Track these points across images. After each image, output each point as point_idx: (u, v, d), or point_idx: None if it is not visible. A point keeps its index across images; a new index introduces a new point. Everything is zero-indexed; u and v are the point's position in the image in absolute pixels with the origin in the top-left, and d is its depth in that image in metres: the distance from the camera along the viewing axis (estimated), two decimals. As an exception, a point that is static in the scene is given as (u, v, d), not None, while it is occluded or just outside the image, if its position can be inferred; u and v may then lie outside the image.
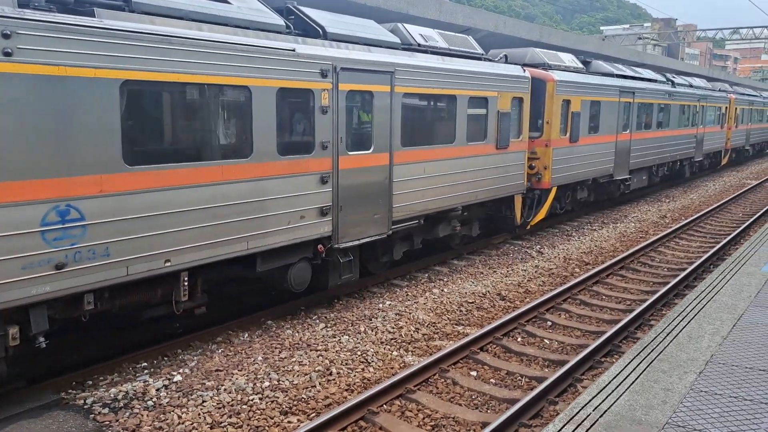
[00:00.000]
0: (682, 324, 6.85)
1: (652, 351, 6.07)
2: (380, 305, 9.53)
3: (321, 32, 8.59)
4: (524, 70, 13.13)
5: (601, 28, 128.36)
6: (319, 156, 8.24)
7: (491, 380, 7.25)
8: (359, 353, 7.68)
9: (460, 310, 9.49)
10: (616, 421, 4.67)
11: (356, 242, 8.97)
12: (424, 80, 10.18)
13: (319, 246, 8.46)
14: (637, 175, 19.64)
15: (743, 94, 32.53)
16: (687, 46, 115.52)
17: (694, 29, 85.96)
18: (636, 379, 5.44)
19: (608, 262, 12.02)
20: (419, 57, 10.27)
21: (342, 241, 8.73)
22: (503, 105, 12.33)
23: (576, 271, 12.06)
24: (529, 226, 14.71)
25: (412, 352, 7.91)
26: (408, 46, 10.46)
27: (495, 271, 11.77)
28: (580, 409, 4.86)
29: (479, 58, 12.09)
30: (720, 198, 22.23)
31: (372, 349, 7.81)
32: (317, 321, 8.81)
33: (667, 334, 6.53)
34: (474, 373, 7.39)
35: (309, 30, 8.64)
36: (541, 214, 14.65)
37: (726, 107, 27.97)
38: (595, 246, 14.19)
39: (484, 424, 6.13)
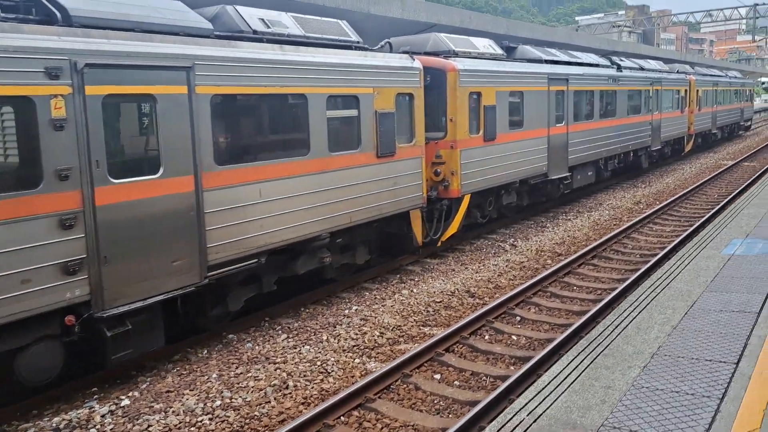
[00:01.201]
0: (633, 314, 6.67)
1: (598, 345, 5.89)
2: (346, 311, 9.30)
3: (59, 16, 6.21)
4: (413, 60, 10.80)
5: (576, 18, 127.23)
6: (55, 190, 5.85)
7: (455, 382, 7.10)
8: (319, 363, 7.45)
9: (428, 311, 9.27)
10: (550, 426, 4.48)
11: (139, 304, 6.59)
12: (251, 77, 7.84)
13: (68, 318, 6.06)
14: (581, 172, 17.40)
15: (706, 75, 30.42)
16: (663, 31, 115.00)
17: (669, 14, 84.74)
18: (577, 377, 5.27)
19: (580, 252, 11.85)
20: (245, 47, 7.92)
21: (111, 305, 6.34)
22: (383, 104, 10.01)
23: (548, 263, 11.87)
24: (440, 243, 12.40)
25: (375, 358, 7.71)
26: (231, 34, 8.10)
27: (467, 268, 11.52)
28: (514, 415, 4.66)
29: (349, 47, 9.75)
30: (696, 180, 21.69)
31: (333, 358, 7.59)
32: (280, 332, 8.56)
33: (617, 327, 6.34)
34: (438, 376, 7.22)
35: (48, 14, 6.26)
36: (453, 227, 12.35)
37: (686, 90, 25.82)
38: (568, 236, 13.89)
39: (443, 430, 5.96)
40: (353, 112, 9.51)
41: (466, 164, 12.25)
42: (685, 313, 6.64)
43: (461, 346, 7.94)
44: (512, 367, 7.35)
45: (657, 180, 22.09)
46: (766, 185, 16.14)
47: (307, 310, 9.40)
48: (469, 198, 12.59)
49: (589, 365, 5.44)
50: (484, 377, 7.15)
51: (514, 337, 8.27)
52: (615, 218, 15.82)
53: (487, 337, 8.30)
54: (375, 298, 9.89)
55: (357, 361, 7.55)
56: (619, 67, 19.75)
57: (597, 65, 18.47)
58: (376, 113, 9.85)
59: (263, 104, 8.18)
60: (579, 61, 17.45)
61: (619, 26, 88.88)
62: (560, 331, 8.34)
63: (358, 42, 10.14)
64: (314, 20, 9.59)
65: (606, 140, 18.53)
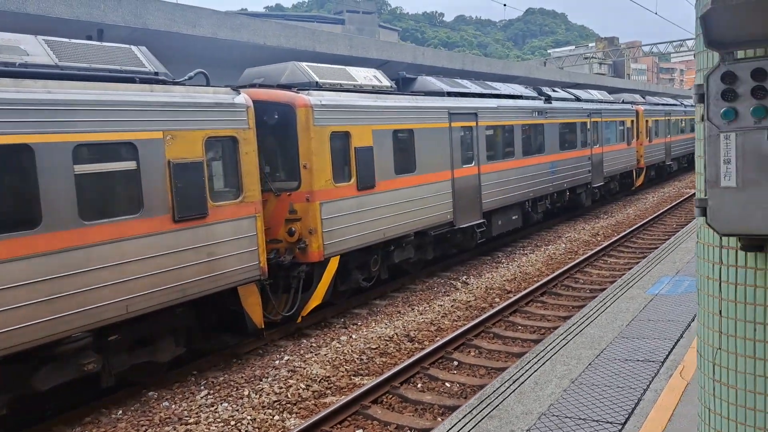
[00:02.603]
0: (536, 366, 6.34)
1: (488, 405, 5.52)
2: (276, 361, 8.84)
3: None
4: (237, 94, 8.54)
5: (549, 51, 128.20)
6: None
7: (374, 440, 6.65)
8: (233, 423, 7.00)
9: (361, 359, 8.82)
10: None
11: None
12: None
13: None
14: (501, 217, 15.16)
15: (657, 104, 28.68)
16: (634, 61, 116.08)
17: (639, 45, 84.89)
18: (454, 447, 4.93)
19: (529, 289, 11.53)
20: None
21: None
22: (183, 151, 7.69)
23: (496, 301, 11.48)
24: (299, 319, 9.97)
25: (296, 414, 7.30)
26: None
27: (413, 309, 11.10)
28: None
29: (132, 80, 7.48)
30: (656, 210, 21.59)
31: (250, 417, 7.16)
32: (202, 387, 8.08)
33: (515, 381, 6.01)
34: (358, 432, 6.74)
35: None
36: (316, 298, 9.96)
37: (632, 121, 23.92)
38: (521, 272, 13.55)
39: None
40: (128, 165, 7.16)
41: (330, 220, 9.93)
42: (589, 364, 6.32)
43: (391, 396, 7.53)
44: (440, 418, 6.95)
45: (619, 210, 21.81)
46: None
47: (239, 361, 8.93)
48: (338, 260, 10.23)
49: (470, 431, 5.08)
50: (408, 430, 6.74)
51: (447, 384, 7.87)
52: (571, 251, 15.44)
53: (419, 385, 7.90)
54: (311, 345, 9.43)
55: (276, 418, 7.11)
56: (548, 98, 17.75)
57: (519, 96, 16.42)
58: (170, 164, 7.52)
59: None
60: (495, 92, 15.38)
61: (588, 58, 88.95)
62: (496, 375, 7.94)
63: (156, 73, 7.89)
64: (81, 45, 7.32)
65: (532, 179, 16.38)
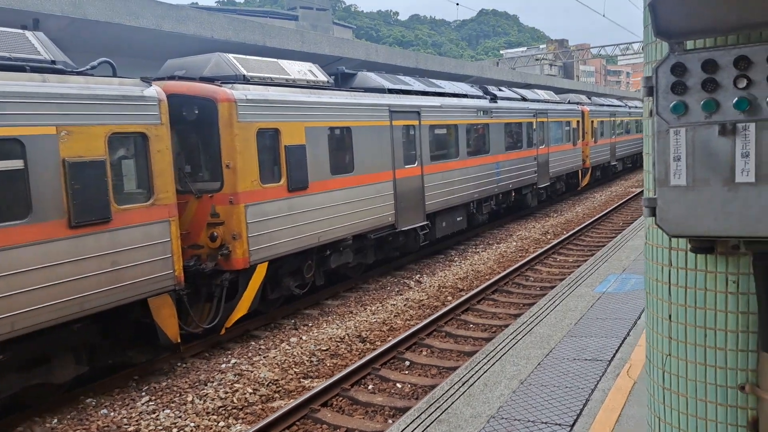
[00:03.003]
0: (486, 367, 6.26)
1: (437, 409, 5.40)
2: (223, 365, 8.53)
3: None
4: (148, 86, 7.76)
5: (501, 51, 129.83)
6: None
7: (323, 444, 6.48)
8: (175, 431, 6.70)
9: (311, 361, 8.62)
10: None
11: None
12: None
13: None
14: (446, 218, 14.75)
15: (603, 105, 28.95)
16: (583, 63, 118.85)
17: (588, 47, 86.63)
18: (402, 452, 4.84)
19: (481, 287, 11.46)
20: None
21: None
22: (82, 149, 6.89)
23: (448, 300, 11.41)
24: (223, 330, 9.26)
25: (242, 419, 6.98)
26: None
27: (366, 308, 10.91)
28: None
29: (22, 69, 6.63)
30: (604, 208, 21.91)
31: (193, 423, 6.84)
32: (144, 393, 7.69)
33: (464, 383, 5.89)
34: (306, 438, 6.58)
35: None
36: (241, 308, 9.27)
37: (578, 121, 23.98)
38: (473, 270, 13.48)
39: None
40: (13, 164, 6.33)
41: (257, 224, 9.24)
42: (538, 364, 6.28)
43: (341, 398, 7.34)
44: (390, 420, 6.83)
45: (568, 209, 22.06)
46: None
47: (184, 365, 8.61)
48: (267, 267, 9.55)
49: (417, 437, 4.97)
50: (357, 435, 6.52)
51: (398, 385, 7.74)
52: (521, 249, 15.52)
53: (371, 386, 7.74)
54: (260, 347, 9.15)
55: (221, 425, 6.86)
56: (494, 98, 17.44)
57: (465, 95, 16.04)
58: (66, 163, 6.71)
59: None
60: (440, 91, 14.94)
61: (539, 59, 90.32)
62: (447, 375, 7.82)
63: (53, 62, 7.06)
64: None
65: (477, 180, 16.03)
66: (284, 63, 11.00)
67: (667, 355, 2.67)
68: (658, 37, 2.41)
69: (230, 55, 9.95)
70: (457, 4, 43.69)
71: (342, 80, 12.97)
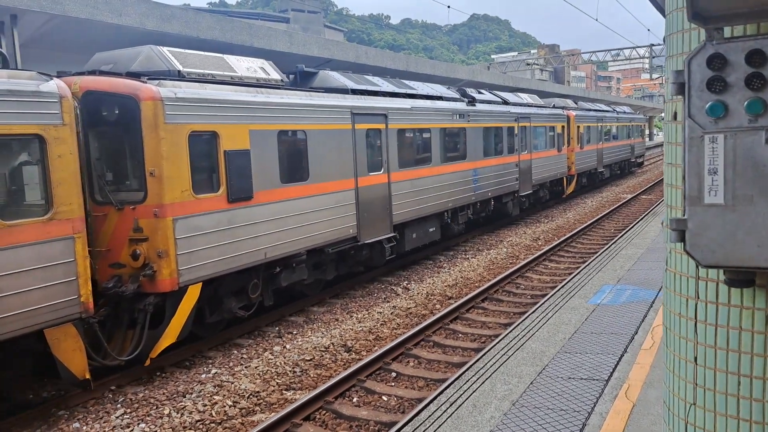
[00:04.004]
0: (475, 386, 5.92)
1: None
2: (203, 375, 8.17)
3: None
4: (46, 80, 6.61)
5: (492, 56, 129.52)
6: None
7: (304, 462, 6.25)
8: None
9: (294, 372, 8.24)
10: None
11: None
12: None
13: None
14: (416, 229, 13.67)
15: (590, 110, 28.00)
16: (573, 69, 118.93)
17: (579, 53, 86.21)
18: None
19: (470, 295, 11.15)
20: None
21: None
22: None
23: (436, 308, 11.10)
24: (148, 361, 8.10)
25: None
26: None
27: (352, 316, 10.61)
28: None
29: None
30: (596, 214, 21.52)
31: None
32: (119, 406, 7.38)
33: (452, 404, 5.56)
34: (287, 453, 6.34)
35: None
36: (169, 336, 8.11)
37: (563, 126, 22.98)
38: (462, 277, 13.14)
39: None
40: None
41: (188, 239, 8.10)
42: (531, 383, 6.00)
43: (324, 412, 7.10)
44: None
45: (559, 215, 21.70)
46: (649, 223, 15.65)
47: (163, 374, 8.34)
48: (201, 288, 8.41)
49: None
50: (339, 452, 6.31)
51: (384, 398, 7.49)
52: (512, 256, 15.20)
53: (355, 399, 7.48)
54: (243, 357, 8.89)
55: None
56: (473, 101, 16.39)
57: (439, 97, 14.97)
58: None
59: None
60: (411, 92, 13.86)
61: (530, 64, 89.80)
62: (435, 387, 7.60)
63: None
64: None
65: (452, 188, 14.96)
66: (231, 59, 9.88)
67: (691, 404, 2.34)
68: (692, 21, 1.97)
69: (164, 48, 8.82)
70: (449, 7, 42.70)
71: (301, 79, 11.88)
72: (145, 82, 7.88)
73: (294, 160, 10.15)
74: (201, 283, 8.40)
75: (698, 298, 2.26)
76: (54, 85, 6.63)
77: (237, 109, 8.93)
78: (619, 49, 66.60)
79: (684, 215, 2.08)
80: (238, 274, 9.14)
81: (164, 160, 7.81)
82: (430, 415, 5.42)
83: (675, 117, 2.15)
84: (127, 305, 7.98)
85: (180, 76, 8.57)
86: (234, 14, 68.36)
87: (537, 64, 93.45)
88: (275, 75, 10.47)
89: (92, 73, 8.25)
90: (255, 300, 9.67)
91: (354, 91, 11.96)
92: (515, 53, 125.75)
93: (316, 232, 10.48)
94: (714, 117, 1.97)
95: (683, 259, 2.29)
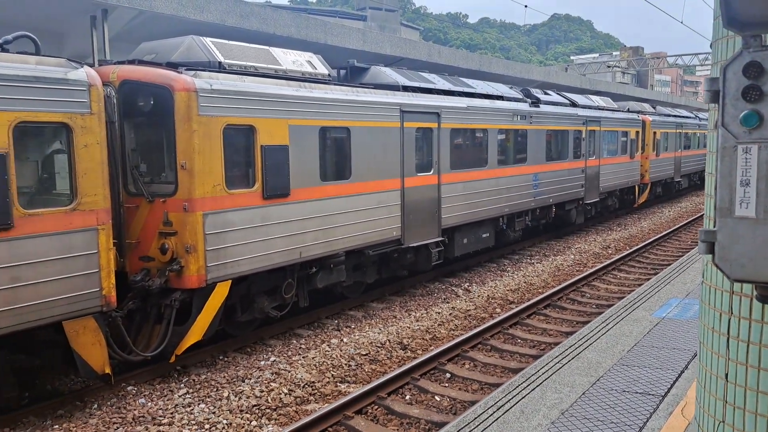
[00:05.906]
0: (524, 392, 5.78)
1: None
2: (262, 362, 8.42)
3: None
4: (73, 67, 6.50)
5: (571, 57, 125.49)
6: None
7: (353, 455, 6.31)
8: (208, 427, 6.63)
9: (350, 365, 8.37)
10: None
11: None
12: None
13: None
14: (467, 234, 13.02)
15: (669, 115, 26.16)
16: (658, 72, 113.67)
17: (664, 56, 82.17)
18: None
19: (533, 300, 11.01)
20: None
21: None
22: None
23: (497, 312, 11.00)
24: (173, 358, 7.94)
25: (275, 420, 6.84)
26: None
27: (410, 314, 10.62)
28: None
29: None
30: (672, 225, 20.82)
31: (226, 420, 6.74)
32: (183, 385, 7.70)
33: (499, 408, 5.45)
34: (337, 446, 6.40)
35: None
36: (195, 334, 7.91)
37: (637, 132, 21.53)
38: (525, 282, 12.96)
39: None
40: None
41: (218, 235, 7.88)
42: (583, 393, 5.76)
43: (376, 407, 7.14)
44: None
45: (633, 223, 20.98)
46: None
47: (225, 358, 8.62)
48: (231, 286, 8.17)
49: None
50: (387, 449, 6.33)
51: (437, 398, 7.47)
52: (579, 263, 14.89)
53: (408, 396, 7.51)
54: (301, 347, 9.06)
55: (253, 424, 6.75)
56: (536, 101, 15.52)
57: (500, 97, 14.22)
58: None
59: None
60: (468, 90, 13.21)
61: (610, 66, 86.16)
62: (489, 391, 7.55)
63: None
64: None
65: (509, 193, 14.19)
66: (277, 51, 9.62)
67: (720, 421, 2.29)
68: (728, 27, 1.94)
69: (208, 39, 8.65)
70: (526, 6, 41.29)
71: (352, 74, 11.51)
72: (181, 73, 7.70)
73: (335, 158, 9.78)
74: (230, 281, 8.16)
75: (731, 313, 2.22)
76: (83, 73, 6.52)
77: (276, 103, 8.64)
78: (707, 53, 62.74)
79: (714, 227, 2.03)
80: (271, 273, 8.86)
81: (196, 153, 7.61)
82: (476, 417, 5.34)
83: (716, 125, 2.07)
84: (155, 300, 7.85)
85: (220, 68, 8.37)
86: (313, 12, 69.41)
87: (618, 67, 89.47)
88: (322, 69, 10.13)
89: (132, 62, 8.17)
90: (289, 300, 9.38)
91: (405, 88, 11.46)
92: (596, 55, 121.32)
93: (356, 233, 10.08)
94: (748, 127, 1.92)
95: (718, 273, 2.22)
